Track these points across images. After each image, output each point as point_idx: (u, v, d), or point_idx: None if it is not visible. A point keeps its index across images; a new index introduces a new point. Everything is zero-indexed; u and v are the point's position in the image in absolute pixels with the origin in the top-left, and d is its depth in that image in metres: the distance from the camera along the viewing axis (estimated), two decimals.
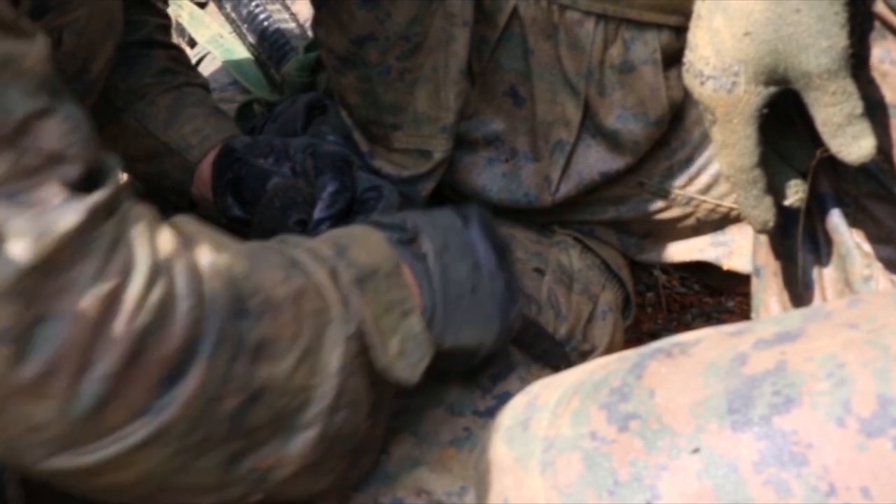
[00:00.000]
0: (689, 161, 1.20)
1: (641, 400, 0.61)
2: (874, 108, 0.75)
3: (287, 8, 1.47)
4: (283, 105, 1.28)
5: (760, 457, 0.56)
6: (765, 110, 0.74)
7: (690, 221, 1.21)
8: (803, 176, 0.79)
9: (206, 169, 1.16)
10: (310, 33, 1.40)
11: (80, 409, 0.70)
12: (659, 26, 1.13)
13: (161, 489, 0.77)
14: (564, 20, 1.13)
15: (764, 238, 0.86)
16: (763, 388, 0.58)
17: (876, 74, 0.74)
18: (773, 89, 0.73)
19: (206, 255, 0.76)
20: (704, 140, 1.18)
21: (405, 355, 0.85)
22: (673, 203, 1.21)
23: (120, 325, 0.70)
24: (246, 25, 1.45)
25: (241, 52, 1.46)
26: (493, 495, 0.65)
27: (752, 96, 0.73)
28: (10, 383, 0.68)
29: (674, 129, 1.19)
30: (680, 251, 1.25)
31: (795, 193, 0.78)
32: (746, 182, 0.76)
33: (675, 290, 1.55)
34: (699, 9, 0.74)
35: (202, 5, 1.52)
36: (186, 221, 0.79)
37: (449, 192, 1.22)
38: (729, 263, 1.24)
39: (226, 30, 1.48)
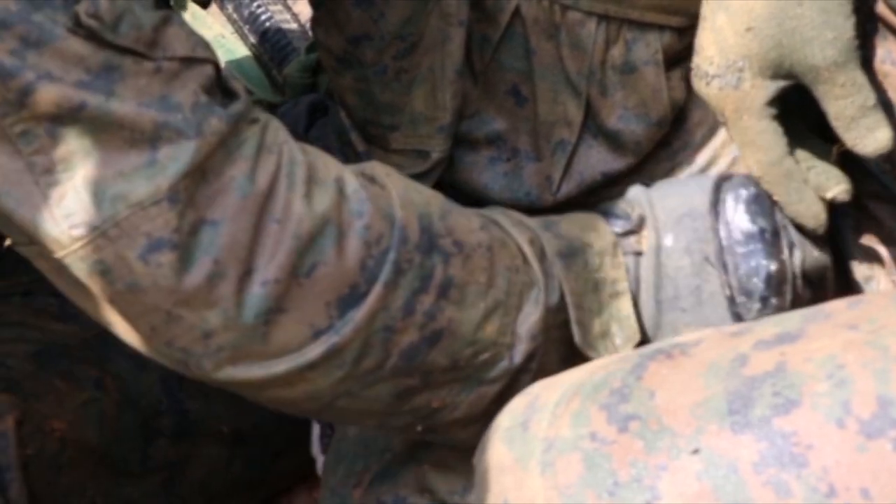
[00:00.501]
0: (690, 162, 1.20)
1: (641, 401, 0.61)
2: None
3: (289, 8, 1.48)
4: (286, 106, 1.28)
5: (760, 458, 0.56)
6: (774, 108, 0.73)
7: None
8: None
9: None
10: (311, 32, 1.40)
11: (249, 316, 0.69)
12: (661, 27, 1.13)
13: (327, 408, 0.76)
14: (566, 20, 1.13)
15: None
16: (763, 389, 0.58)
17: (877, 75, 0.74)
18: (780, 84, 0.72)
19: (397, 189, 0.75)
20: (706, 141, 1.17)
21: (607, 336, 0.81)
22: None
23: (281, 232, 0.69)
24: (248, 26, 1.45)
25: (243, 53, 1.46)
26: (493, 496, 0.65)
27: (759, 90, 0.72)
28: (179, 290, 0.68)
29: (676, 131, 1.19)
30: None
31: (838, 186, 0.75)
32: (780, 176, 0.74)
33: None
34: (704, 10, 0.74)
35: (204, 5, 1.52)
36: (376, 165, 0.78)
37: (450, 191, 1.22)
38: None
39: (227, 30, 1.49)
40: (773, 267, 0.78)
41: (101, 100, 0.66)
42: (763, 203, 0.79)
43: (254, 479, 1.12)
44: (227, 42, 1.47)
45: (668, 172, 1.21)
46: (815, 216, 0.75)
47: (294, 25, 1.45)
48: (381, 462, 0.92)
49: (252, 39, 1.45)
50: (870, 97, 0.70)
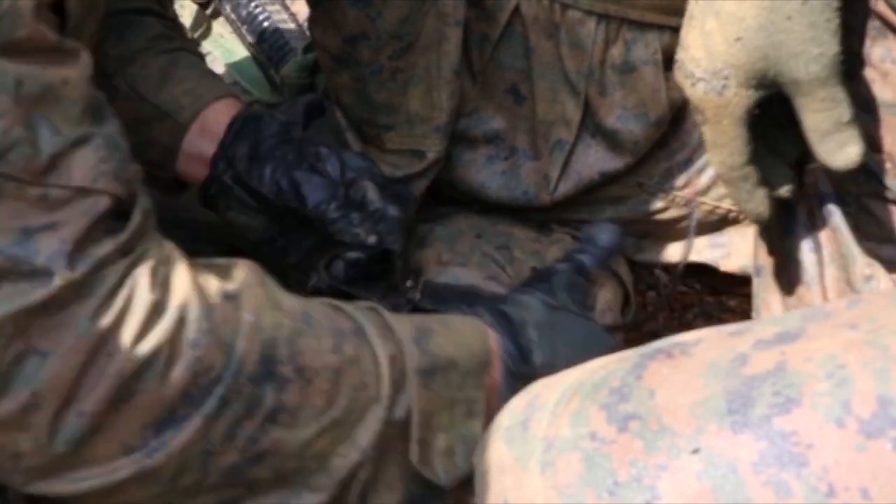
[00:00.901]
0: (688, 162, 1.20)
1: (641, 400, 0.61)
2: (875, 107, 0.75)
3: (286, 8, 1.47)
4: (283, 106, 1.27)
5: (760, 457, 0.56)
6: (755, 111, 0.74)
7: (688, 222, 1.21)
8: (793, 167, 0.79)
9: (209, 123, 1.12)
10: (308, 31, 1.40)
11: (60, 443, 0.70)
12: (660, 27, 1.13)
13: None
14: (566, 19, 1.14)
15: (766, 237, 0.86)
16: (763, 389, 0.58)
17: (877, 73, 0.75)
18: (762, 93, 0.74)
19: (250, 311, 0.75)
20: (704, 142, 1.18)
21: (450, 455, 0.82)
22: (671, 204, 1.21)
23: (109, 366, 0.70)
24: (245, 26, 1.45)
25: (242, 53, 1.46)
26: (493, 495, 0.65)
27: (742, 99, 0.73)
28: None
29: (674, 131, 1.19)
30: (678, 252, 1.25)
31: (786, 185, 0.79)
32: (737, 179, 0.77)
33: (675, 289, 1.55)
34: (692, 9, 0.75)
35: (204, 6, 1.52)
36: (243, 268, 0.78)
37: (447, 189, 1.22)
38: (726, 265, 1.24)
39: (226, 30, 1.48)
40: None
41: None
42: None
43: None
44: (226, 42, 1.47)
45: (666, 172, 1.21)
46: (759, 215, 0.79)
47: (292, 25, 1.45)
48: None
49: (250, 39, 1.45)
50: (846, 113, 0.72)
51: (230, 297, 0.75)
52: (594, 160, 1.18)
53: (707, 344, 0.63)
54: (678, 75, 0.76)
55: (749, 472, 0.56)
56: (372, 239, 1.00)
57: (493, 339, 0.87)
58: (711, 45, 0.73)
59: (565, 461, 0.61)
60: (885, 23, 0.74)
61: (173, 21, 1.23)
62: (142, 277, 0.71)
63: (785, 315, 0.66)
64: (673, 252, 1.26)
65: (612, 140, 1.17)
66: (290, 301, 0.79)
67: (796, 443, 0.56)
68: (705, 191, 1.20)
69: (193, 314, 0.73)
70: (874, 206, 0.79)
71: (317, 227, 1.02)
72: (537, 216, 1.23)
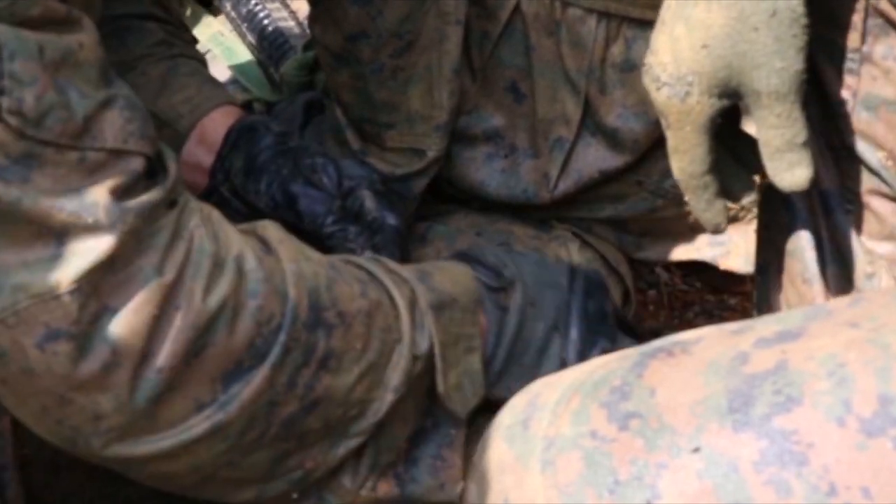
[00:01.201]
0: None
1: (642, 399, 0.61)
2: (877, 105, 0.75)
3: (287, 6, 1.47)
4: (282, 104, 1.27)
5: (761, 456, 0.56)
6: (718, 120, 0.74)
7: (687, 220, 1.21)
8: (755, 176, 0.79)
9: (208, 132, 1.12)
10: (308, 29, 1.39)
11: (140, 400, 0.70)
12: None
13: (208, 480, 0.77)
14: (566, 17, 1.13)
15: (767, 235, 0.86)
16: (764, 388, 0.58)
17: (879, 71, 0.74)
18: (725, 102, 0.74)
19: (291, 262, 0.76)
20: None
21: (460, 389, 0.85)
22: (670, 202, 1.21)
23: (180, 319, 0.70)
24: (246, 24, 1.45)
25: (242, 51, 1.45)
26: (494, 494, 0.65)
27: (704, 107, 0.74)
28: (73, 377, 0.69)
29: None
30: (677, 250, 1.25)
31: (747, 196, 0.79)
32: (697, 187, 0.77)
33: (677, 287, 1.55)
34: (663, 14, 0.75)
35: (205, 3, 1.52)
36: (270, 226, 0.80)
37: (446, 186, 1.22)
38: (726, 263, 1.24)
39: (226, 28, 1.48)
40: (608, 346, 0.93)
41: (14, 192, 0.65)
42: (605, 290, 0.95)
43: None
44: (226, 40, 1.47)
45: (665, 170, 1.21)
46: (716, 225, 0.79)
47: (292, 23, 1.45)
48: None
49: (250, 37, 1.45)
50: (800, 134, 0.72)
51: (269, 250, 0.77)
52: (594, 158, 1.18)
53: (708, 342, 0.63)
54: (645, 79, 0.76)
55: (750, 471, 0.56)
56: (367, 254, 1.00)
57: (469, 271, 0.89)
58: (678, 50, 0.73)
59: (566, 460, 0.61)
60: (888, 20, 0.74)
61: (175, 25, 1.23)
62: (196, 229, 0.72)
63: (786, 313, 0.66)
64: (672, 250, 1.26)
65: (612, 138, 1.17)
66: (315, 252, 0.81)
67: (797, 442, 0.56)
68: None
69: (250, 265, 0.74)
70: (875, 203, 0.79)
71: (314, 240, 1.02)
72: (537, 214, 1.23)
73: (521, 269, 0.93)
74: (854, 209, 0.80)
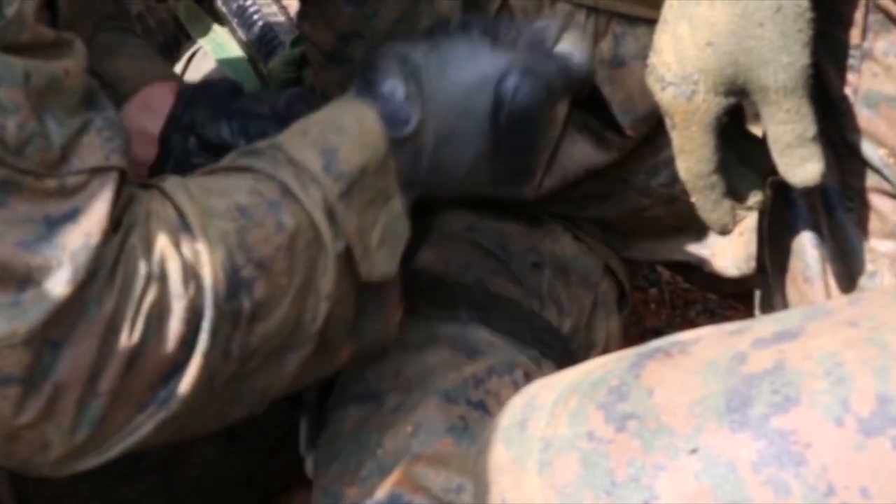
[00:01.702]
0: (673, 159, 1.19)
1: (639, 399, 0.60)
2: (879, 101, 0.75)
3: (277, 1, 1.47)
4: (266, 96, 1.27)
5: (759, 456, 0.56)
6: (724, 119, 0.74)
7: (673, 221, 1.21)
8: (764, 178, 0.79)
9: (153, 99, 1.09)
10: (297, 26, 1.39)
11: (85, 426, 0.72)
12: (650, 21, 1.12)
13: (173, 438, 0.80)
14: (555, 12, 1.13)
15: (769, 233, 0.86)
16: (762, 388, 0.58)
17: (880, 67, 0.74)
18: (731, 100, 0.74)
19: (200, 230, 0.76)
20: None
21: (385, 243, 0.86)
22: (656, 202, 1.21)
23: (117, 343, 0.71)
24: (236, 20, 1.45)
25: (232, 47, 1.45)
26: (491, 496, 0.64)
27: (711, 105, 0.73)
28: (19, 419, 0.70)
29: (660, 126, 1.18)
30: (663, 251, 1.25)
31: (754, 197, 0.78)
32: (704, 187, 0.77)
33: (678, 285, 1.55)
34: (665, 13, 0.75)
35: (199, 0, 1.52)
36: (171, 182, 0.80)
37: None
38: (711, 265, 1.23)
39: (217, 23, 1.48)
40: None
41: None
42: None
43: (250, 477, 1.13)
44: (217, 36, 1.46)
45: (651, 168, 1.21)
46: (723, 226, 0.78)
47: (282, 18, 1.45)
48: (374, 459, 0.92)
49: (240, 34, 1.44)
50: (810, 129, 0.72)
51: (186, 227, 0.76)
52: (580, 156, 1.18)
53: (706, 343, 0.63)
54: (649, 79, 0.76)
55: (748, 472, 0.56)
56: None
57: (377, 121, 0.88)
58: (682, 49, 0.73)
59: (563, 461, 0.61)
60: (889, 17, 0.73)
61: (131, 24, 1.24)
62: (133, 250, 0.73)
63: (785, 313, 0.66)
64: (658, 251, 1.25)
65: (598, 135, 1.17)
66: (218, 198, 0.80)
67: (795, 442, 0.56)
68: None
69: (172, 265, 0.74)
70: (877, 201, 0.79)
71: None
72: (525, 208, 1.22)
73: (437, 96, 0.91)
74: (855, 207, 0.80)
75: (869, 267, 0.79)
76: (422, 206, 1.20)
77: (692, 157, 0.76)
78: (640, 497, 0.58)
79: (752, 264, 0.91)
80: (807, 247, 0.82)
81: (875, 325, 0.59)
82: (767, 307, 0.87)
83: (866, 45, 0.75)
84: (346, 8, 1.10)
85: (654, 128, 1.17)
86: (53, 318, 0.69)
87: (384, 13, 1.10)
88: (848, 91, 0.77)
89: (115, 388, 0.72)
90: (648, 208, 1.22)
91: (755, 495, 0.56)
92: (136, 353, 0.72)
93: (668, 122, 0.76)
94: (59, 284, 0.68)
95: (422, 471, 0.92)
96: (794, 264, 0.84)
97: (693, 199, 0.78)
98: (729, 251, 1.19)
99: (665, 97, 0.75)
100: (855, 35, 0.75)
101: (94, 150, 0.71)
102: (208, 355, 0.75)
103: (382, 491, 0.90)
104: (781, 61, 0.70)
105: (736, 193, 0.78)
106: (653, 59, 0.76)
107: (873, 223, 0.79)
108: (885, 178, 0.77)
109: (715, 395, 0.59)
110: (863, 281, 0.79)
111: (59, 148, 0.69)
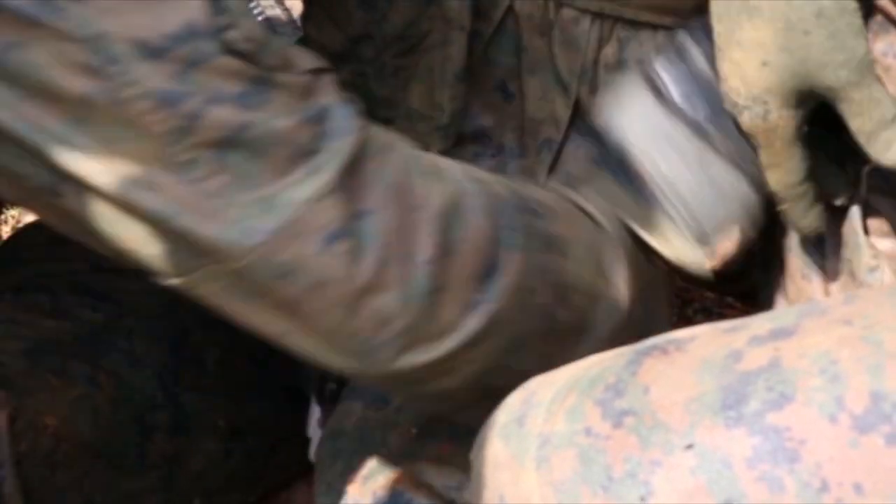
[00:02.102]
0: None
1: (636, 396, 0.61)
2: None
3: (280, 2, 1.47)
4: None
5: (754, 453, 0.56)
6: (804, 128, 0.75)
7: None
8: (852, 171, 0.79)
9: None
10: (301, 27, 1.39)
11: (418, 294, 0.73)
12: (654, 26, 1.13)
13: (484, 394, 0.78)
14: (560, 18, 1.13)
15: (769, 231, 0.87)
16: (757, 385, 0.58)
17: (879, 68, 0.75)
18: (805, 109, 0.75)
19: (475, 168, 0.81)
20: None
21: None
22: None
23: (421, 214, 0.73)
24: None
25: None
26: (489, 492, 0.65)
27: (787, 120, 0.75)
28: (356, 279, 0.71)
29: None
30: (663, 251, 1.24)
31: (843, 193, 0.79)
32: (795, 197, 0.78)
33: (675, 284, 1.55)
34: (717, 41, 0.76)
35: None
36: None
37: None
38: (710, 264, 1.23)
39: None
40: None
41: (261, 119, 0.68)
42: None
43: (252, 472, 1.13)
44: None
45: None
46: (816, 229, 0.79)
47: (285, 20, 1.45)
48: (377, 457, 0.92)
49: None
50: (889, 110, 0.72)
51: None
52: (583, 160, 1.18)
53: (702, 340, 0.63)
54: (726, 106, 0.78)
55: (743, 468, 0.56)
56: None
57: None
58: (743, 73, 0.74)
59: (560, 457, 0.61)
60: (888, 18, 0.74)
61: None
62: (398, 138, 0.77)
63: (780, 311, 0.66)
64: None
65: (601, 140, 1.17)
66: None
67: (790, 438, 0.56)
68: None
69: (455, 167, 0.78)
70: (876, 200, 0.79)
71: None
72: None
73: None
74: (855, 205, 0.80)
75: (871, 262, 0.79)
76: None
77: (781, 170, 0.77)
78: (637, 492, 0.58)
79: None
80: (806, 243, 0.83)
81: (869, 324, 0.59)
82: (767, 304, 0.88)
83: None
84: (357, 11, 1.11)
85: None
86: (350, 179, 0.71)
87: (394, 16, 1.10)
88: None
89: (436, 261, 0.73)
90: None
91: (750, 491, 0.56)
92: (445, 234, 0.74)
93: (753, 142, 0.77)
94: (341, 139, 0.71)
95: (423, 468, 0.92)
96: (793, 261, 0.84)
97: (783, 208, 0.79)
98: (729, 249, 1.20)
99: (744, 121, 0.76)
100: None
101: (302, 56, 0.73)
102: (519, 252, 0.76)
103: (384, 489, 0.91)
104: (838, 60, 0.71)
105: (827, 194, 0.79)
106: (722, 86, 0.77)
107: (873, 222, 0.79)
108: (885, 178, 0.78)
109: (711, 391, 0.59)
110: (864, 276, 0.79)
111: (282, 50, 0.71)
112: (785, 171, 0.77)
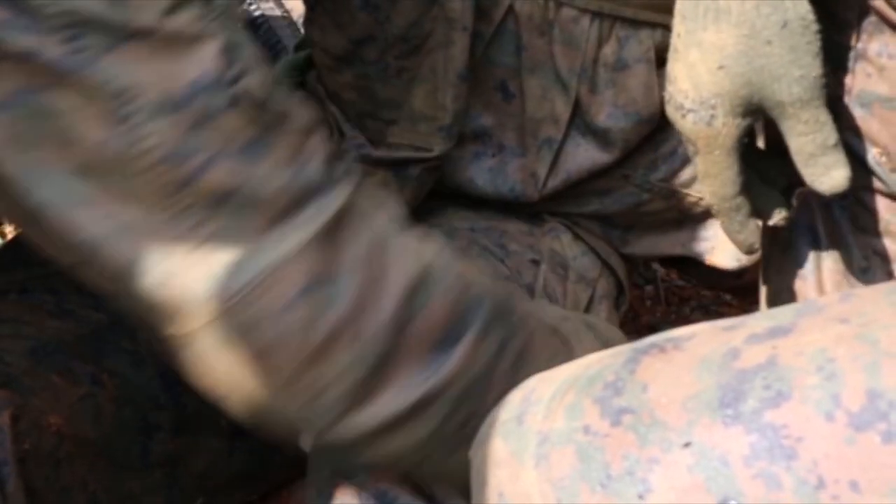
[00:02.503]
0: (672, 154, 1.20)
1: (634, 394, 0.61)
2: (871, 101, 0.76)
3: (281, 5, 1.47)
4: None
5: (751, 450, 0.57)
6: (745, 140, 0.75)
7: (672, 215, 1.22)
8: (785, 195, 0.80)
9: None
10: (304, 31, 1.40)
11: (366, 362, 0.73)
12: (653, 25, 1.13)
13: (424, 463, 0.80)
14: (560, 17, 1.14)
15: (764, 230, 0.87)
16: (754, 383, 0.58)
17: (873, 68, 0.75)
18: (749, 120, 0.74)
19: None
20: None
21: None
22: (656, 196, 1.21)
23: (391, 274, 0.74)
24: (239, 24, 1.45)
25: None
26: (489, 489, 0.65)
27: (731, 128, 0.74)
28: (310, 341, 0.72)
29: (658, 123, 1.19)
30: (663, 245, 1.25)
31: (779, 213, 0.79)
32: (730, 209, 0.77)
33: (673, 282, 1.56)
34: (675, 43, 0.76)
35: None
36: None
37: (436, 184, 1.22)
38: (710, 259, 1.24)
39: None
40: None
41: (255, 178, 0.69)
42: None
43: (254, 471, 1.13)
44: None
45: (650, 163, 1.21)
46: (750, 246, 0.79)
47: (285, 23, 1.45)
48: (363, 463, 0.92)
49: None
50: (831, 136, 0.72)
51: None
52: (583, 158, 1.18)
53: (700, 339, 0.63)
54: (668, 109, 0.77)
55: (740, 466, 0.56)
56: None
57: None
58: (696, 76, 0.74)
59: (559, 455, 0.61)
60: (883, 18, 0.74)
61: None
62: (386, 196, 0.78)
63: (778, 309, 0.66)
64: (657, 245, 1.26)
65: (602, 138, 1.17)
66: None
67: (787, 436, 0.56)
68: (689, 183, 1.21)
69: (433, 249, 0.78)
70: (869, 199, 0.79)
71: None
72: (528, 208, 1.23)
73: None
74: (849, 204, 0.81)
75: (862, 263, 0.79)
76: (424, 205, 1.21)
77: (717, 180, 0.76)
78: (635, 490, 0.58)
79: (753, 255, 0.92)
80: (801, 243, 0.83)
81: (865, 322, 0.59)
82: (766, 304, 0.88)
83: (860, 46, 0.75)
84: (360, 13, 1.11)
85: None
86: (333, 234, 0.72)
87: (397, 18, 1.10)
88: (842, 91, 0.77)
89: (393, 326, 0.73)
90: (648, 203, 1.22)
91: (747, 488, 0.56)
92: (407, 304, 0.74)
93: (690, 149, 0.77)
94: (327, 195, 0.72)
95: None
96: (789, 261, 0.84)
97: (720, 221, 0.79)
98: (728, 244, 1.20)
99: (686, 125, 0.75)
100: (849, 36, 0.76)
101: (300, 108, 0.73)
102: (479, 339, 0.77)
103: (368, 487, 0.91)
104: (794, 75, 0.71)
105: (760, 212, 0.79)
106: (669, 88, 0.76)
107: (866, 221, 0.80)
108: (878, 177, 0.78)
109: (708, 390, 0.59)
110: (856, 277, 0.80)
111: (283, 102, 0.72)
112: (721, 182, 0.76)
